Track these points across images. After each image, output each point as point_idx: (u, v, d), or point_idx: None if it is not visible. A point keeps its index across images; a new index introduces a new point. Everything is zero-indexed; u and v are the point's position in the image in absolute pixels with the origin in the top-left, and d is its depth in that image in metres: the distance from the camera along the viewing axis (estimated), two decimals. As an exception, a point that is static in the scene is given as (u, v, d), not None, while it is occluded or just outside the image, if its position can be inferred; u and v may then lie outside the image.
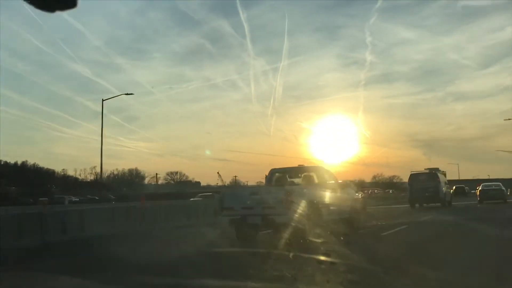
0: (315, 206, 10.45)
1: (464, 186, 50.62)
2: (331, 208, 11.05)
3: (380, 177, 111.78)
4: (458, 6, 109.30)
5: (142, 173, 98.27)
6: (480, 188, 31.31)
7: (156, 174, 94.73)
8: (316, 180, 11.53)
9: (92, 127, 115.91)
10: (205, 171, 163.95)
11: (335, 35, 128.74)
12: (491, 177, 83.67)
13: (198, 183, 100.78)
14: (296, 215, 9.90)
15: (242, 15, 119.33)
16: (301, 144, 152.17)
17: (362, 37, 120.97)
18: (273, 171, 12.27)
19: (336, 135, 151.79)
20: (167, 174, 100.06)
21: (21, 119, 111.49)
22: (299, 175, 12.13)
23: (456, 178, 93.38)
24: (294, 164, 13.19)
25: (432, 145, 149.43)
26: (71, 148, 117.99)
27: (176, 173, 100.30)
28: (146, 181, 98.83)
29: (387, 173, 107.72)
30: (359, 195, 13.07)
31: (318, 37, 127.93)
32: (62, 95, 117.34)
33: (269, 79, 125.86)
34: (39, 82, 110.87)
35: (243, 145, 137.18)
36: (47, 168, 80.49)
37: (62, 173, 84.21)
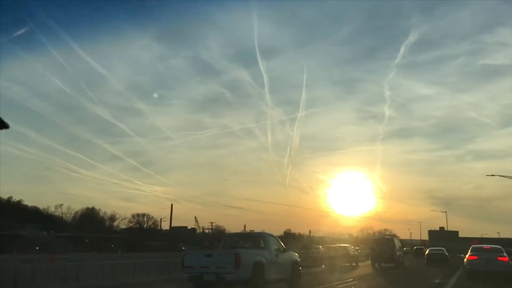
0: (260, 267, 12.66)
1: (423, 248, 57.69)
2: (274, 269, 13.27)
3: (369, 230, 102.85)
4: (478, 64, 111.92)
5: (113, 215, 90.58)
6: (427, 252, 38.22)
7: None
8: (262, 245, 13.79)
9: (108, 169, 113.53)
10: (219, 218, 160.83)
11: (354, 89, 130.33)
12: (501, 237, 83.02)
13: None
14: (244, 275, 12.06)
15: (262, 66, 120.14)
16: (317, 196, 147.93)
17: (381, 92, 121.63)
18: (227, 236, 14.48)
19: (353, 188, 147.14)
20: (133, 216, 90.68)
21: (39, 159, 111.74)
22: (249, 240, 14.40)
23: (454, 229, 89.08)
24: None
25: (449, 203, 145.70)
26: (87, 190, 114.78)
27: (143, 215, 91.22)
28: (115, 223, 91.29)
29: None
30: (297, 258, 15.28)
31: (336, 90, 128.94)
32: (81, 137, 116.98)
33: (286, 129, 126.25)
34: (60, 123, 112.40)
35: (258, 194, 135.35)
36: (32, 206, 78.53)
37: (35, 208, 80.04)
